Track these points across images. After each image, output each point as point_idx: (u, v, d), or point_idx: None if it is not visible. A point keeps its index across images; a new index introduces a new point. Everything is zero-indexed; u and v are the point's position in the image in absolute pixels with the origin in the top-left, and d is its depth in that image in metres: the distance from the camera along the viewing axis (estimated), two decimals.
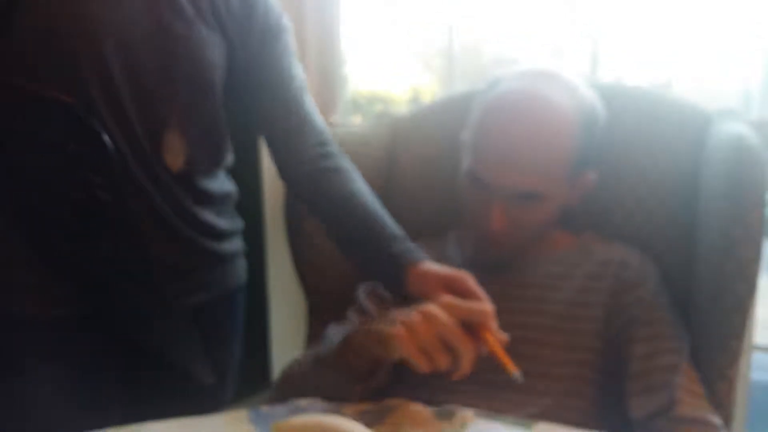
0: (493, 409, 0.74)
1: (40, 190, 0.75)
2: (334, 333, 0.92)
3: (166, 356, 0.86)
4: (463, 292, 0.74)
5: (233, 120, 0.91)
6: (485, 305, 0.72)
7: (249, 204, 1.27)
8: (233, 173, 0.96)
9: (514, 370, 0.69)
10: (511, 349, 0.89)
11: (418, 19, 1.54)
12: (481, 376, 0.89)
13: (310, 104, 0.90)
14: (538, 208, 0.86)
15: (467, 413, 0.71)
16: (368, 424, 0.67)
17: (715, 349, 0.82)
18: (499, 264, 0.91)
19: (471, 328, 0.70)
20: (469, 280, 0.76)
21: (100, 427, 0.65)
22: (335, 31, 1.42)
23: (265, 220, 1.36)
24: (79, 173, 0.74)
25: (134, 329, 0.84)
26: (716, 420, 0.78)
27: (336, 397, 0.76)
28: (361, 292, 1.00)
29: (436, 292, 0.74)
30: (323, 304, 1.10)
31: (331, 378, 0.79)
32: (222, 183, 0.95)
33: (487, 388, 0.88)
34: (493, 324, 0.72)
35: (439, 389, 0.89)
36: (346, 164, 0.88)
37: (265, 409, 0.72)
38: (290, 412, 0.71)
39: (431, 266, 0.79)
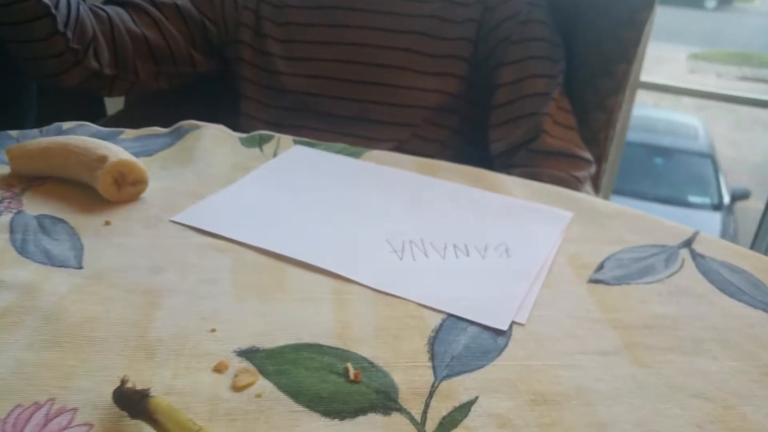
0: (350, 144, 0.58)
1: None
2: None
3: None
4: None
5: None
6: None
7: None
8: None
9: None
10: (371, 74, 0.72)
11: None
12: (326, 108, 0.74)
13: None
14: None
15: (285, 138, 0.56)
16: (159, 149, 0.52)
17: (598, 74, 0.69)
18: None
19: None
20: None
21: None
22: None
23: None
24: None
25: None
26: (586, 155, 0.68)
27: None
28: None
29: None
30: None
31: None
32: None
33: (338, 122, 0.73)
34: None
35: (281, 127, 0.73)
36: None
37: (14, 132, 0.54)
38: (47, 135, 0.53)
39: None
